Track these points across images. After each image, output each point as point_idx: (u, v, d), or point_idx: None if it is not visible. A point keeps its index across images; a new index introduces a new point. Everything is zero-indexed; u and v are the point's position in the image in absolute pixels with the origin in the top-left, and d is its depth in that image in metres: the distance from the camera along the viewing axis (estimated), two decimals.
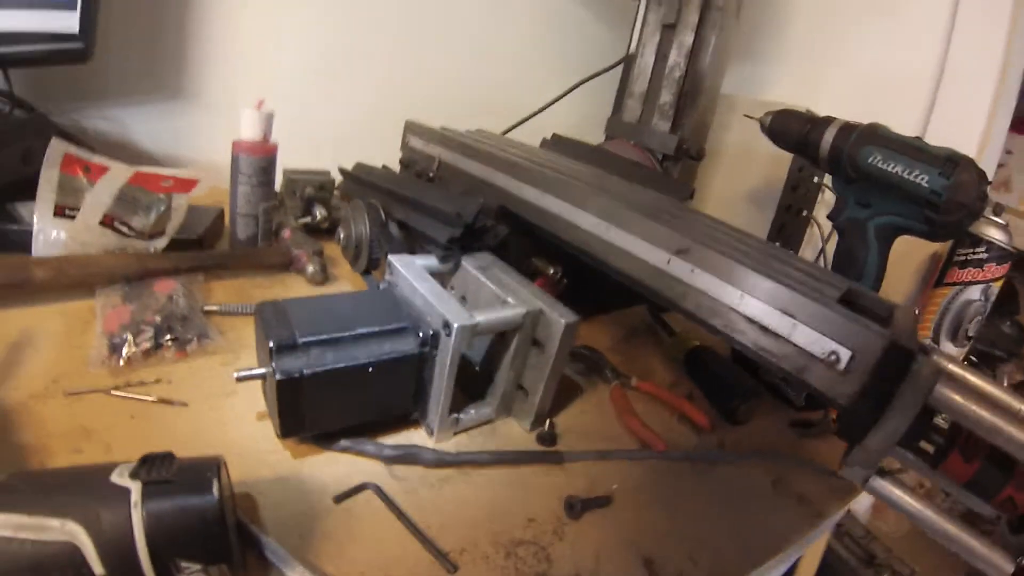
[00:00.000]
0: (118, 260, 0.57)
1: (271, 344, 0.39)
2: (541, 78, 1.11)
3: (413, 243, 0.61)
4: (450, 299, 0.45)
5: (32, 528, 0.26)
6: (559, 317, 0.46)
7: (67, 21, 0.69)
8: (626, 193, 0.56)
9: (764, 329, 0.40)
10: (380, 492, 0.41)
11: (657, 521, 0.44)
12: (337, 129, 1.02)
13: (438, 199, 0.57)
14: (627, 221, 0.47)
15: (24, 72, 0.77)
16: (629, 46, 0.96)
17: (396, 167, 0.84)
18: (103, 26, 0.73)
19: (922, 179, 0.55)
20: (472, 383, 0.51)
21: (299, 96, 0.97)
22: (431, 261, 0.53)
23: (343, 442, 0.44)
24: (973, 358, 1.00)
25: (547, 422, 0.50)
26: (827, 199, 0.94)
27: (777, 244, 0.71)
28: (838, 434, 0.43)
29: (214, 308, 0.58)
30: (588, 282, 0.60)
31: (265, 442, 0.44)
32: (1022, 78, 0.89)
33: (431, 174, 0.73)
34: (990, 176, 0.60)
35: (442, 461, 0.44)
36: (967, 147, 0.55)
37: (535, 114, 1.02)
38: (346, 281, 0.71)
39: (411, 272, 0.49)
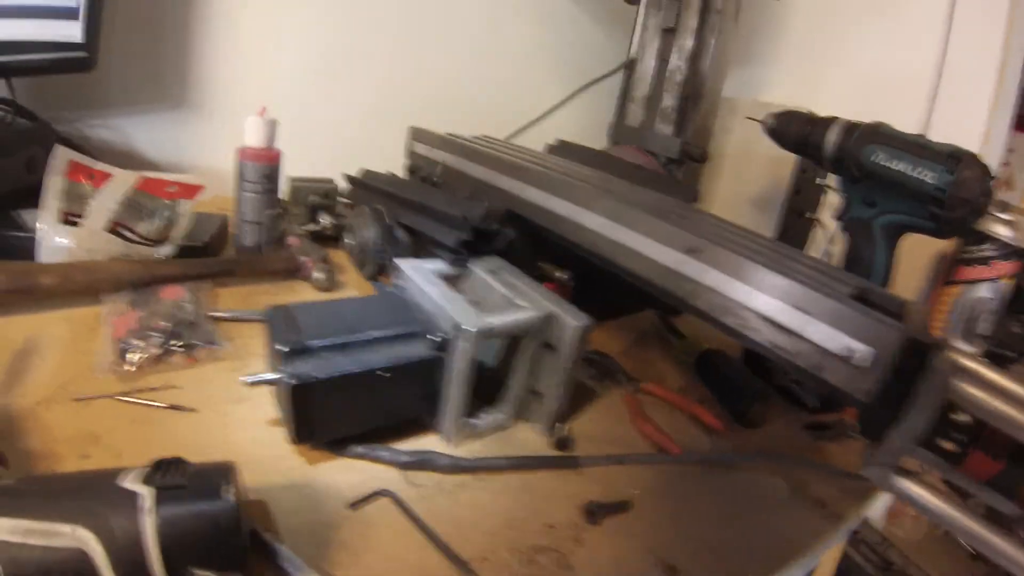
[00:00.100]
0: (124, 266, 0.57)
1: (282, 349, 0.39)
2: (542, 84, 1.12)
3: (420, 248, 0.61)
4: (462, 303, 0.45)
5: (41, 534, 0.25)
6: (571, 320, 0.45)
7: (70, 30, 0.69)
8: (633, 195, 0.56)
9: (779, 327, 0.39)
10: (396, 499, 0.40)
11: (676, 526, 0.44)
12: (340, 137, 1.02)
13: (444, 203, 0.57)
14: (636, 221, 0.47)
15: (28, 81, 0.77)
16: (629, 51, 0.96)
17: (400, 173, 0.84)
18: (106, 35, 0.73)
19: (926, 176, 0.55)
20: (485, 388, 0.51)
21: (302, 104, 0.97)
22: (440, 265, 0.53)
23: (357, 448, 0.43)
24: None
25: (562, 426, 0.50)
26: (830, 200, 0.94)
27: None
28: (861, 433, 0.43)
29: (222, 314, 0.57)
30: (596, 286, 0.60)
31: (277, 448, 0.43)
32: (1021, 75, 0.90)
33: (435, 179, 0.73)
34: (993, 173, 0.60)
35: (458, 467, 0.44)
36: (969, 146, 0.56)
37: (538, 120, 1.02)
38: (353, 287, 0.71)
39: (421, 276, 0.48)
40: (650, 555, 0.41)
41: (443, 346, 0.43)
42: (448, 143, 0.74)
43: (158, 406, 0.45)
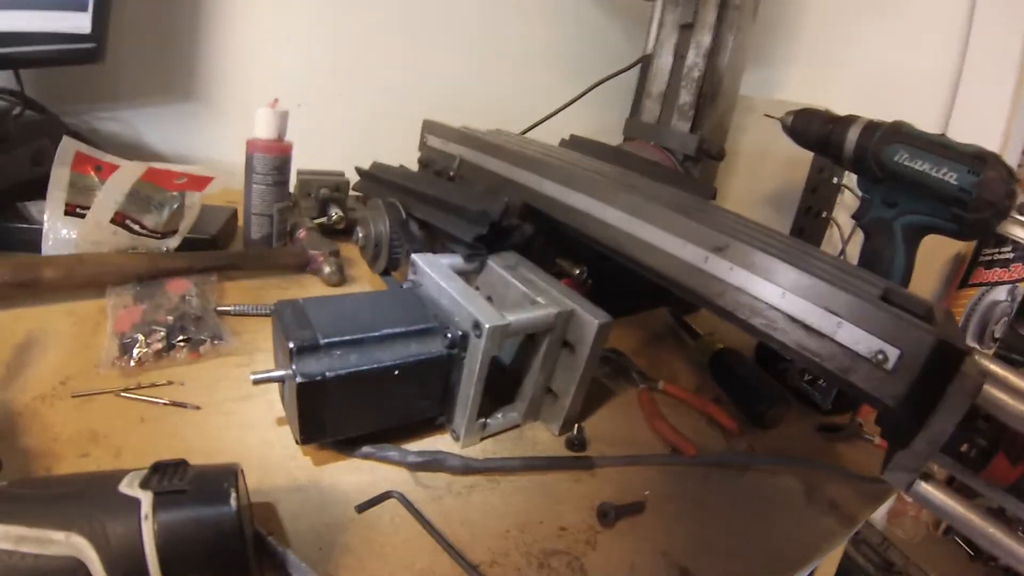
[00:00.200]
0: (130, 259, 0.56)
1: (291, 345, 0.37)
2: (556, 80, 1.10)
3: (434, 243, 0.59)
4: (480, 299, 0.43)
5: (34, 541, 0.24)
6: (592, 317, 0.44)
7: (79, 21, 0.68)
8: (654, 191, 0.55)
9: (807, 328, 0.38)
10: (405, 501, 0.39)
11: (690, 529, 0.43)
12: (350, 130, 1.01)
13: (462, 197, 0.55)
14: (659, 218, 0.46)
15: (36, 73, 0.76)
16: (645, 47, 0.95)
17: (411, 167, 0.83)
18: (115, 27, 0.72)
19: (950, 177, 0.54)
20: (500, 386, 0.49)
21: (312, 97, 0.96)
22: (456, 260, 0.52)
23: (365, 448, 0.42)
24: None
25: (576, 427, 0.49)
26: (847, 200, 0.93)
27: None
28: (883, 437, 0.41)
29: (228, 309, 0.56)
30: (611, 284, 0.58)
31: (283, 448, 0.42)
32: None
33: (451, 173, 0.71)
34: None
35: (469, 468, 0.43)
36: (987, 146, 0.55)
37: (551, 115, 1.01)
38: (363, 282, 0.70)
39: (437, 271, 0.47)
40: (663, 558, 0.39)
41: (459, 343, 0.42)
42: (464, 136, 0.73)
43: (160, 403, 0.44)
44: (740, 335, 0.44)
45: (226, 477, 0.29)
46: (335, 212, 0.78)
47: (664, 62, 0.90)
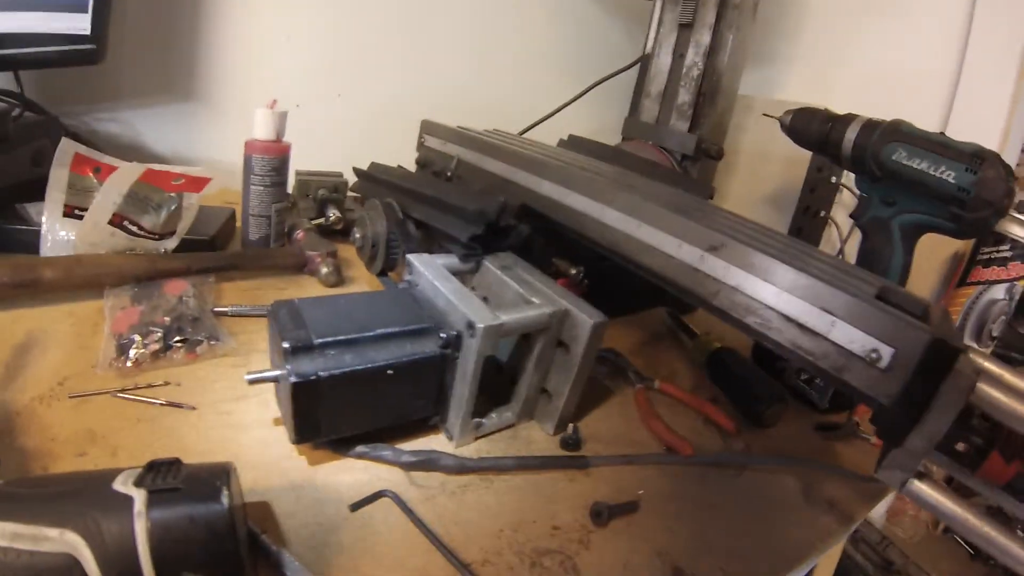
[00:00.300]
0: (128, 260, 0.56)
1: (286, 345, 0.37)
2: (555, 79, 1.10)
3: (432, 243, 0.60)
4: (474, 299, 0.43)
5: (28, 538, 0.24)
6: (587, 317, 0.44)
7: (78, 22, 0.69)
8: (651, 190, 0.55)
9: (801, 327, 0.38)
10: (398, 500, 0.39)
11: (685, 528, 0.43)
12: (349, 131, 1.01)
13: (458, 197, 0.55)
14: (656, 217, 0.46)
15: (36, 74, 0.77)
16: (645, 46, 0.95)
17: (409, 167, 0.83)
18: (115, 28, 0.73)
19: (949, 175, 0.54)
20: (496, 386, 0.49)
21: (311, 98, 0.97)
22: (452, 260, 0.52)
23: (360, 448, 0.42)
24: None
25: (571, 426, 0.49)
26: (845, 200, 0.93)
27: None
28: (877, 435, 0.41)
29: (225, 309, 0.56)
30: (609, 283, 0.58)
31: (278, 448, 0.42)
32: None
33: (449, 173, 0.72)
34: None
35: (463, 467, 0.43)
36: (986, 145, 0.55)
37: (550, 115, 1.01)
38: (361, 283, 0.70)
39: (432, 271, 0.47)
40: (657, 558, 0.39)
41: (453, 343, 0.42)
42: (462, 137, 0.73)
43: (157, 403, 0.44)
44: (738, 334, 0.43)
45: (219, 476, 0.29)
46: (333, 213, 0.78)
47: (663, 61, 0.90)
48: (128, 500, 0.26)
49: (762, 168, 0.99)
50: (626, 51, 1.02)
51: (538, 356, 0.46)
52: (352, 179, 0.81)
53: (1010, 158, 0.91)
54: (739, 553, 0.42)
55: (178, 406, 0.44)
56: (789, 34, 1.08)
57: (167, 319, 0.51)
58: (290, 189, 0.77)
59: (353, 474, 0.41)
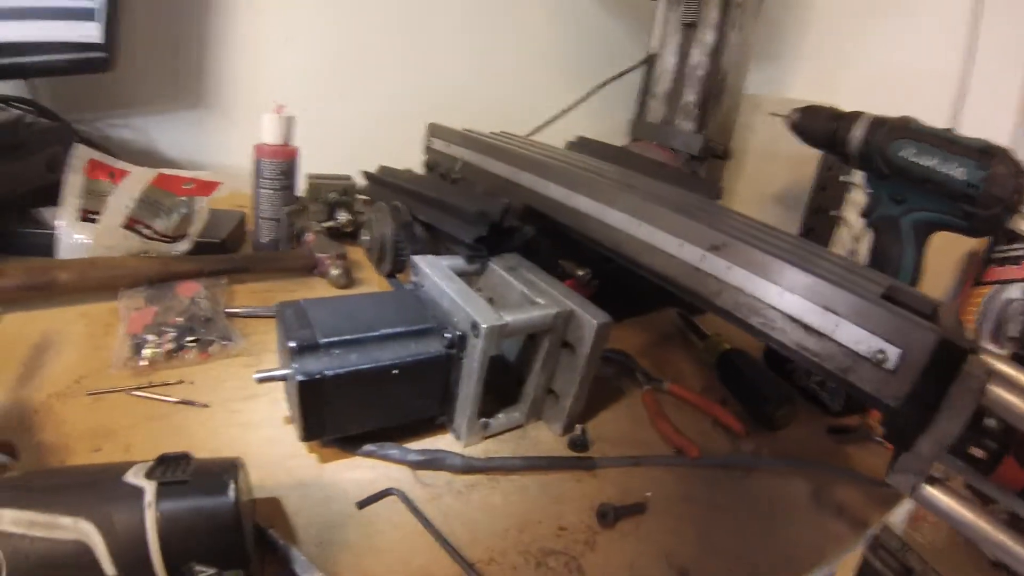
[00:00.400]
0: (141, 263, 0.57)
1: (292, 345, 0.38)
2: (561, 81, 1.11)
3: (438, 245, 0.60)
4: (478, 300, 0.44)
5: (44, 526, 0.25)
6: (591, 318, 0.44)
7: (89, 31, 0.70)
8: (656, 191, 0.55)
9: (806, 328, 0.38)
10: (404, 498, 0.39)
11: (692, 531, 0.42)
12: (359, 134, 1.02)
13: (463, 199, 0.56)
14: (658, 218, 0.46)
15: (49, 82, 0.78)
16: (649, 46, 0.95)
17: (418, 170, 0.84)
18: (125, 35, 0.74)
19: (958, 172, 0.54)
20: (504, 387, 0.50)
21: (321, 102, 0.97)
22: (457, 262, 0.52)
23: (367, 446, 0.43)
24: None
25: (578, 427, 0.49)
26: (855, 198, 0.92)
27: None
28: (886, 439, 0.41)
29: (237, 310, 0.57)
30: (617, 284, 0.58)
31: (287, 446, 0.43)
32: None
33: (454, 175, 0.72)
34: None
35: (470, 467, 0.43)
36: (996, 142, 0.54)
37: (557, 117, 1.01)
38: (370, 285, 0.70)
39: (437, 272, 0.47)
40: (664, 560, 0.39)
41: (457, 343, 0.42)
42: (467, 139, 0.74)
43: (170, 401, 0.45)
44: (749, 336, 0.43)
45: (226, 470, 0.30)
46: (343, 215, 0.79)
47: (668, 61, 0.90)
48: (139, 491, 0.27)
49: (770, 167, 0.98)
50: (631, 52, 1.02)
51: (544, 357, 0.47)
52: (362, 182, 0.81)
53: (1020, 153, 0.90)
54: (747, 557, 0.41)
55: (191, 404, 0.45)
56: (795, 33, 1.07)
57: (180, 320, 0.52)
58: (302, 192, 0.78)
59: (361, 472, 0.42)
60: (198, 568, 0.27)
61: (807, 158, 0.86)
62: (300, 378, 0.37)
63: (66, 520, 0.26)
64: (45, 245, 0.57)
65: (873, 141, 0.59)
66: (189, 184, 0.61)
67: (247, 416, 0.45)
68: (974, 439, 0.41)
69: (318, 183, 0.82)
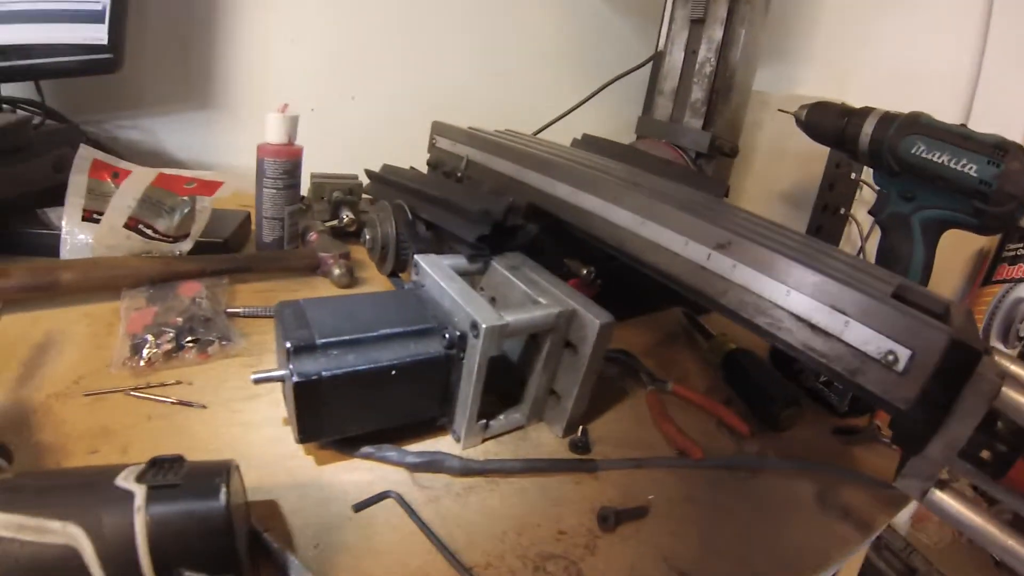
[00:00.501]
0: (143, 263, 0.57)
1: (288, 345, 0.38)
2: (567, 79, 1.10)
3: (441, 244, 0.60)
4: (479, 299, 0.43)
5: (33, 529, 0.25)
6: (593, 318, 0.43)
7: (96, 33, 0.71)
8: (661, 189, 0.54)
9: (813, 328, 0.37)
10: (402, 501, 0.39)
11: (695, 534, 0.42)
12: (364, 133, 1.02)
13: (466, 198, 0.55)
14: (664, 216, 0.45)
15: (57, 84, 0.79)
16: (657, 44, 0.94)
17: (423, 170, 0.84)
18: (132, 37, 0.74)
19: (970, 168, 0.52)
20: (507, 387, 0.49)
21: (326, 101, 0.98)
22: (459, 261, 0.52)
23: (365, 448, 0.42)
24: None
25: (580, 428, 0.48)
26: (865, 196, 0.91)
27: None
28: (894, 442, 0.40)
29: (238, 310, 0.57)
30: (622, 284, 0.58)
31: (286, 447, 0.42)
32: None
33: (459, 174, 0.72)
34: None
35: (468, 469, 0.42)
36: (1009, 137, 0.52)
37: (564, 115, 1.00)
38: (373, 284, 0.70)
39: (438, 272, 0.47)
40: (665, 564, 0.39)
41: (458, 344, 0.42)
42: (472, 137, 0.73)
43: (168, 401, 0.44)
44: (754, 336, 0.42)
45: (219, 473, 0.29)
46: (346, 215, 0.78)
47: (675, 58, 0.89)
48: (129, 495, 0.27)
49: (779, 165, 0.97)
50: (638, 49, 1.01)
51: (545, 357, 0.46)
52: (366, 180, 0.81)
53: None
54: (751, 561, 0.40)
55: (189, 405, 0.45)
56: (805, 30, 1.06)
57: (180, 320, 0.52)
58: (306, 192, 0.78)
59: (359, 474, 0.41)
60: (188, 574, 0.26)
61: (816, 155, 0.85)
62: (296, 379, 0.37)
63: (55, 524, 0.25)
64: (50, 245, 0.58)
65: (883, 137, 0.58)
66: (191, 184, 0.61)
67: (246, 417, 0.45)
68: (985, 442, 0.40)
69: (322, 182, 0.82)
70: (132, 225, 0.58)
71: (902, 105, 0.60)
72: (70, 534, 0.25)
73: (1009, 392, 0.32)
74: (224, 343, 0.51)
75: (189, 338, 0.50)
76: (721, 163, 0.87)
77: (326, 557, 0.34)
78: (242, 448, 0.42)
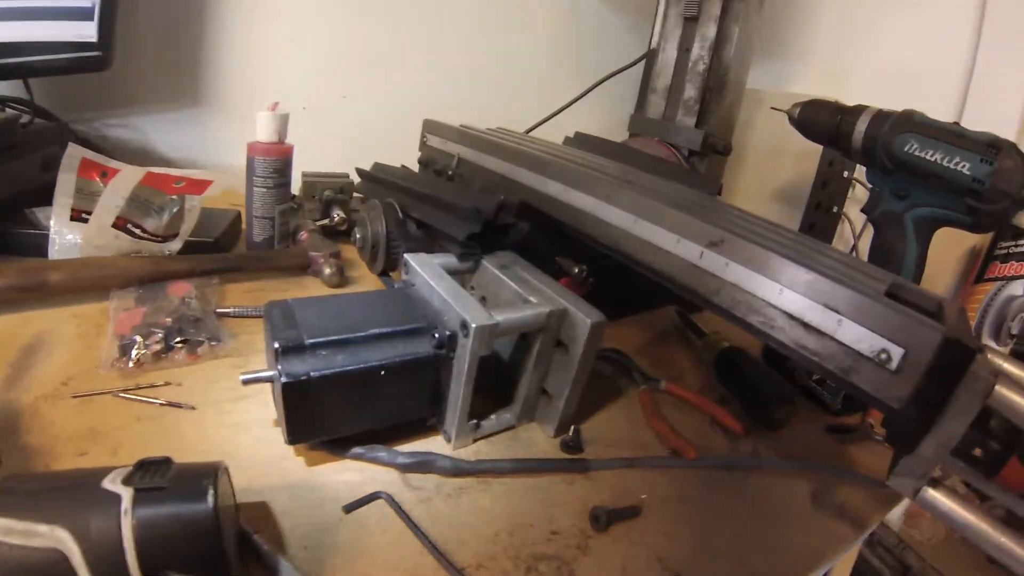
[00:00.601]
0: (132, 263, 0.57)
1: (276, 345, 0.37)
2: (560, 77, 1.10)
3: (432, 243, 0.59)
4: (469, 299, 0.43)
5: (20, 533, 0.25)
6: (584, 317, 0.43)
7: (85, 30, 0.70)
8: (654, 187, 0.53)
9: (806, 326, 0.37)
10: (392, 502, 0.39)
11: (688, 534, 0.41)
12: (356, 132, 1.01)
13: (456, 196, 0.55)
14: (656, 214, 0.45)
15: (46, 82, 0.78)
16: (650, 41, 0.94)
17: (415, 168, 0.83)
18: (122, 35, 0.74)
19: (963, 166, 0.52)
20: (499, 387, 0.49)
21: (318, 100, 0.97)
22: (450, 260, 0.51)
23: (356, 449, 0.42)
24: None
25: (572, 428, 0.48)
26: (858, 195, 0.91)
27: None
28: (886, 440, 0.40)
29: (228, 311, 0.57)
30: (615, 282, 0.57)
31: (276, 448, 0.42)
32: None
33: (450, 172, 0.71)
34: None
35: (459, 469, 0.42)
36: (1003, 135, 0.52)
37: (556, 113, 1.00)
38: (364, 283, 0.70)
39: (428, 271, 0.47)
40: (658, 563, 0.38)
41: (448, 344, 0.42)
42: (463, 135, 0.73)
43: (157, 403, 0.44)
44: (748, 334, 0.42)
45: (206, 475, 0.29)
46: (337, 214, 0.78)
47: (669, 56, 0.89)
48: (116, 498, 0.27)
49: (772, 163, 0.97)
50: (631, 46, 1.01)
51: (536, 356, 0.46)
52: (357, 180, 0.81)
53: None
54: (744, 559, 0.40)
55: (178, 406, 0.44)
56: (799, 27, 1.06)
57: (169, 320, 0.51)
58: (297, 191, 0.77)
59: (350, 475, 0.41)
60: None
61: (809, 154, 0.85)
62: (285, 380, 0.36)
63: (42, 527, 0.25)
64: (39, 245, 0.57)
65: (876, 135, 0.58)
66: (180, 183, 0.60)
67: (236, 418, 0.44)
68: (978, 440, 0.40)
69: (313, 181, 0.81)
70: (121, 225, 0.57)
71: (895, 103, 0.60)
72: (58, 538, 0.25)
73: (1003, 390, 0.32)
74: (214, 343, 0.51)
75: (178, 339, 0.50)
76: (714, 161, 0.87)
77: (317, 558, 0.34)
78: (232, 449, 0.41)
